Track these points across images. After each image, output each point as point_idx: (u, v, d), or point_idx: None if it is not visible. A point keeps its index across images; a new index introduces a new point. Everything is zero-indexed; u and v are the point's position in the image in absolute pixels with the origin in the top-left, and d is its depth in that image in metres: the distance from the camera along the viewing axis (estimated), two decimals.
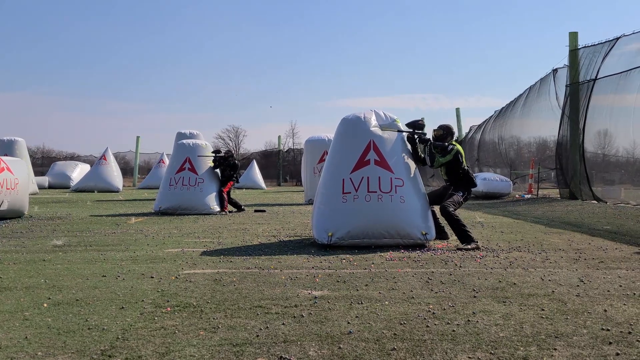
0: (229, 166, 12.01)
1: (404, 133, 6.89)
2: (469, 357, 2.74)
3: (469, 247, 6.30)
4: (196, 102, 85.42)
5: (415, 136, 6.89)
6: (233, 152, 13.53)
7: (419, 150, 6.98)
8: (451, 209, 6.57)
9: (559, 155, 15.74)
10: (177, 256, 5.88)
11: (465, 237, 6.43)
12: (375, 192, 6.45)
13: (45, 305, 3.76)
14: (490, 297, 3.98)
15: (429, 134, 7.07)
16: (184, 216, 10.92)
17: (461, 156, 6.81)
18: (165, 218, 10.56)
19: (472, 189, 6.93)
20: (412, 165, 6.84)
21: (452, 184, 6.86)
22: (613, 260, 5.60)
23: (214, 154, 12.13)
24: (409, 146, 6.93)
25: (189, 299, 3.94)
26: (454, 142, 6.92)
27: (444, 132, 6.96)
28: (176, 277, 4.74)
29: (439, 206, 6.79)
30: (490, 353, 2.80)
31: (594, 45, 14.06)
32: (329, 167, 6.94)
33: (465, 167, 6.84)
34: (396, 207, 6.40)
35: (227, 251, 6.29)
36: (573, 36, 14.95)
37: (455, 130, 7.46)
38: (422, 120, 7.01)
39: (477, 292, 4.13)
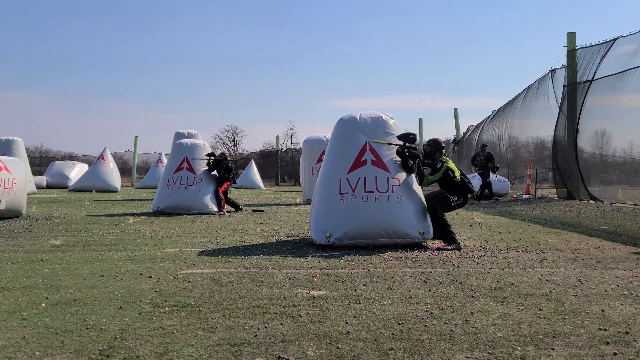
0: (222, 169, 11.97)
1: (395, 146, 6.76)
2: (467, 357, 2.75)
3: (450, 247, 6.33)
4: (195, 102, 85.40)
5: (406, 150, 6.70)
6: (227, 154, 13.38)
7: (409, 164, 6.76)
8: (439, 209, 6.63)
9: (555, 155, 15.77)
10: (175, 256, 5.88)
11: (448, 237, 6.48)
12: (372, 192, 6.46)
13: (43, 305, 3.75)
14: (488, 297, 3.99)
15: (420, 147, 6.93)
16: (182, 216, 10.91)
17: (452, 171, 6.70)
18: (164, 218, 10.55)
19: (468, 196, 6.88)
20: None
21: (447, 191, 6.81)
22: (610, 260, 5.61)
23: (207, 157, 12.06)
24: (399, 159, 6.75)
25: (187, 298, 3.94)
26: (443, 158, 6.80)
27: (432, 148, 6.88)
28: (174, 277, 4.74)
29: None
30: (488, 353, 2.80)
31: (592, 46, 14.04)
32: (325, 168, 6.94)
33: (458, 180, 6.69)
34: (393, 207, 6.40)
35: (225, 251, 6.29)
36: (571, 37, 14.96)
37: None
38: (413, 134, 6.77)
39: (475, 292, 4.14)
